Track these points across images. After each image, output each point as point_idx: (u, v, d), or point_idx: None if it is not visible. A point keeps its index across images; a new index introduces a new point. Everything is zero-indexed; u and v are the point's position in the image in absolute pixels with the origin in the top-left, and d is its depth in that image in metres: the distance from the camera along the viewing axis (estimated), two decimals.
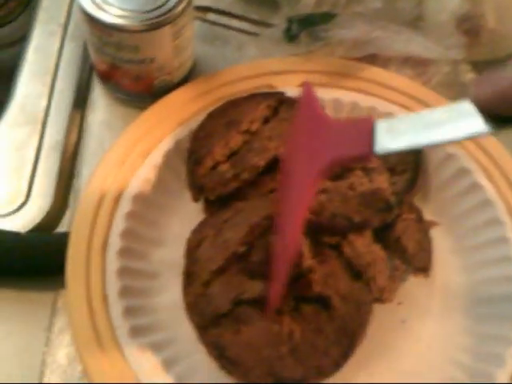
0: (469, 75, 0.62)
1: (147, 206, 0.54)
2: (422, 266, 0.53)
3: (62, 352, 0.50)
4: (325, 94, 0.58)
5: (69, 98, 0.61)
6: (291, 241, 0.44)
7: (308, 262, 0.49)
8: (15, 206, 0.55)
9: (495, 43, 0.62)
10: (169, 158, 0.55)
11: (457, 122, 0.38)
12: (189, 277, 0.50)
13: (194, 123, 0.56)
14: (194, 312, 0.49)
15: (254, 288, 0.48)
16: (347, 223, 0.50)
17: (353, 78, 0.60)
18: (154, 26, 0.52)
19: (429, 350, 0.50)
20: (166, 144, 0.55)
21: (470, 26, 0.60)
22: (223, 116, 0.56)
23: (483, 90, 0.40)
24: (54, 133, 0.59)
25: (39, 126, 0.59)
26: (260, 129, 0.55)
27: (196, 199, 0.55)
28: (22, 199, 0.55)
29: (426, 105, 0.58)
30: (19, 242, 0.53)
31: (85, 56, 0.63)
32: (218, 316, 0.48)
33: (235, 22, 0.67)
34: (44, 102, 0.61)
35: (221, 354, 0.47)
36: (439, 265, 0.54)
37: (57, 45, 0.64)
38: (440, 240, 0.55)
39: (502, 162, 0.56)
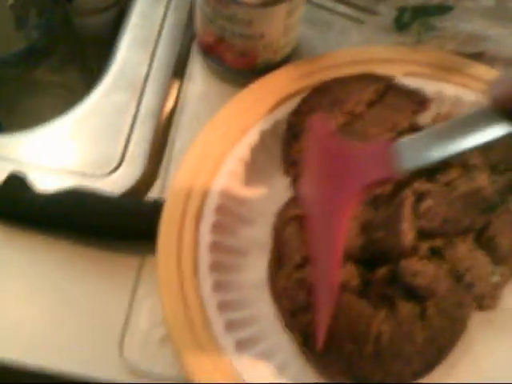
0: None
1: (240, 184, 0.54)
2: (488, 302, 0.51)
3: (143, 316, 0.50)
4: (429, 86, 0.56)
5: (168, 67, 0.61)
6: (332, 272, 0.43)
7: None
8: (109, 169, 0.55)
9: None
10: (265, 137, 0.55)
11: (478, 127, 0.38)
12: (279, 259, 0.50)
13: (294, 104, 0.55)
14: (284, 296, 0.48)
15: (349, 273, 0.48)
16: (457, 227, 0.50)
17: (458, 72, 0.58)
18: (271, 1, 0.51)
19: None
20: (264, 123, 0.55)
21: None
22: (328, 93, 0.55)
23: (500, 91, 0.38)
24: (152, 100, 0.59)
25: (138, 92, 0.59)
26: (363, 112, 0.54)
27: (287, 173, 0.54)
28: (115, 163, 0.56)
29: None
30: (110, 205, 0.53)
31: (188, 26, 0.63)
32: (309, 303, 0.47)
33: (340, 7, 0.66)
34: (144, 69, 0.61)
35: (305, 342, 0.47)
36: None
37: (161, 12, 0.64)
38: None
39: None
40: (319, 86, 0.56)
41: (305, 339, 0.47)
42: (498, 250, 0.51)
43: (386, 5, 0.62)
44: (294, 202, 0.52)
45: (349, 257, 0.48)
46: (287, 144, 0.54)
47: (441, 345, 0.46)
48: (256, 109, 0.55)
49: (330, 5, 0.66)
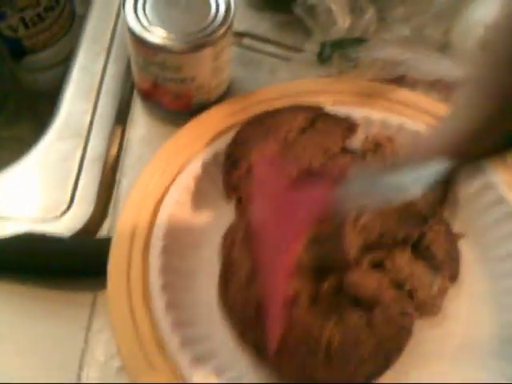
0: None
1: (186, 211, 0.56)
2: (450, 274, 0.54)
3: (100, 349, 0.52)
4: (355, 112, 0.60)
5: (111, 114, 0.64)
6: (280, 289, 0.47)
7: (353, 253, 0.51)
8: (59, 212, 0.57)
9: None
10: (207, 168, 0.57)
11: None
12: (226, 279, 0.52)
13: (231, 136, 0.58)
14: (233, 312, 0.50)
15: (299, 288, 0.50)
16: (393, 240, 0.52)
17: (382, 98, 0.61)
18: (197, 47, 0.54)
19: (458, 354, 0.52)
20: (204, 155, 0.57)
21: None
22: (261, 124, 0.58)
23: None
24: (97, 146, 0.61)
25: (83, 140, 0.62)
26: (296, 138, 0.57)
27: (229, 198, 0.57)
28: (65, 206, 0.57)
29: None
30: (62, 246, 0.55)
31: (127, 75, 0.66)
32: (259, 316, 0.48)
33: (269, 47, 0.69)
34: (88, 118, 0.63)
35: (259, 354, 0.49)
36: (466, 274, 0.55)
37: (101, 65, 0.67)
38: (467, 250, 0.56)
39: None
40: (251, 119, 0.59)
41: (258, 351, 0.49)
42: (434, 259, 0.54)
43: (310, 42, 0.65)
44: (238, 224, 0.55)
45: (298, 269, 0.50)
46: (227, 172, 0.57)
47: (388, 351, 0.49)
48: (195, 144, 0.58)
49: (259, 46, 0.69)
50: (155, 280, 0.52)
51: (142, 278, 0.52)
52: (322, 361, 0.48)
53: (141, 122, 0.65)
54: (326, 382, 0.48)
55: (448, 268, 0.54)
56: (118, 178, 0.61)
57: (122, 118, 0.65)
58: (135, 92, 0.66)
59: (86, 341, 0.52)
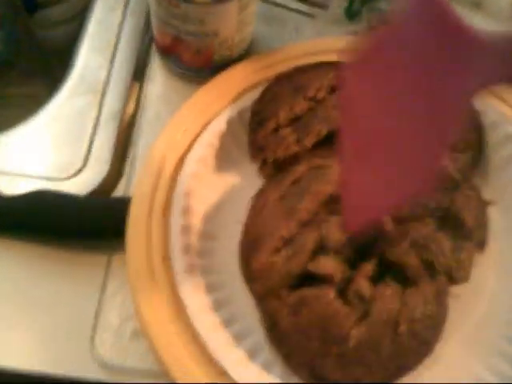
0: None
1: (209, 170, 0.54)
2: (478, 240, 0.52)
3: (113, 312, 0.50)
4: None
5: (128, 70, 0.62)
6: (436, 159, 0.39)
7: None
8: (73, 171, 0.56)
9: None
10: (232, 126, 0.55)
11: None
12: (254, 242, 0.49)
13: (256, 94, 0.56)
14: (257, 278, 0.48)
15: (325, 263, 0.47)
16: (424, 210, 0.50)
17: None
18: None
19: (482, 324, 0.50)
20: (229, 112, 0.55)
21: None
22: (290, 81, 0.56)
23: None
24: (113, 103, 0.60)
25: (99, 96, 0.60)
26: (326, 97, 0.55)
27: (254, 159, 0.55)
28: (80, 164, 0.56)
29: (504, 101, 0.57)
30: (76, 205, 0.53)
31: (145, 30, 0.64)
32: (281, 288, 0.47)
33: (294, 3, 0.67)
34: (104, 74, 0.61)
35: (272, 327, 0.47)
36: (494, 242, 0.53)
37: (118, 18, 0.65)
38: (496, 219, 0.54)
39: None
40: (281, 75, 0.57)
41: (271, 324, 0.47)
42: (463, 226, 0.51)
43: None
44: (270, 186, 0.53)
45: (334, 251, 0.47)
46: (253, 131, 0.55)
47: (404, 364, 0.46)
48: (219, 101, 0.56)
49: (283, 1, 0.67)
50: (175, 242, 0.50)
51: (162, 239, 0.50)
52: (335, 354, 0.45)
53: (159, 78, 0.63)
54: (331, 377, 0.45)
55: (476, 235, 0.52)
56: (134, 136, 0.59)
57: (139, 74, 0.63)
58: (153, 47, 0.64)
59: (99, 303, 0.51)
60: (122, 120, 0.59)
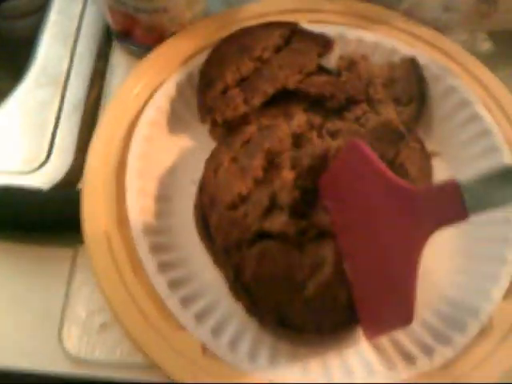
0: (486, 44, 0.62)
1: (161, 132, 0.55)
2: None
3: (81, 305, 0.50)
4: (331, 31, 0.59)
5: (89, 59, 0.61)
6: (409, 306, 0.43)
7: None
8: (37, 164, 0.55)
9: None
10: (181, 88, 0.56)
11: None
12: (212, 201, 0.50)
13: (204, 57, 0.56)
14: (217, 234, 0.49)
15: (277, 221, 0.48)
16: None
17: (358, 16, 0.61)
18: None
19: (425, 271, 0.48)
20: (178, 76, 0.56)
21: None
22: (236, 42, 0.56)
23: None
24: (75, 93, 0.59)
25: (61, 87, 0.59)
26: (271, 57, 0.56)
27: (204, 121, 0.55)
28: (43, 157, 0.55)
29: (448, 56, 0.59)
30: (40, 199, 0.53)
31: (105, 19, 0.63)
32: (242, 241, 0.48)
33: None
34: (65, 64, 0.61)
35: (235, 279, 0.47)
36: None
37: (79, 8, 0.64)
38: (440, 169, 0.55)
39: (497, 95, 0.57)
40: (227, 37, 0.57)
41: (236, 275, 0.47)
42: (407, 176, 0.52)
43: None
44: (222, 147, 0.53)
45: (286, 206, 0.48)
46: (202, 93, 0.55)
47: None
48: (169, 64, 0.56)
49: None
50: (132, 203, 0.50)
51: (117, 203, 0.50)
52: (299, 300, 0.46)
53: (121, 67, 0.62)
54: (295, 320, 0.46)
55: (420, 185, 0.52)
56: (98, 126, 0.58)
57: (101, 62, 0.62)
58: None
59: (66, 296, 0.51)
60: (85, 110, 0.59)
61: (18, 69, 0.71)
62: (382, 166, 0.44)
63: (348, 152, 0.47)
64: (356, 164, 0.46)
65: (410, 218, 0.42)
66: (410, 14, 0.61)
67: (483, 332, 0.47)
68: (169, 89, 0.55)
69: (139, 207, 0.50)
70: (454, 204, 0.40)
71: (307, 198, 0.49)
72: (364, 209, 0.46)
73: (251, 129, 0.53)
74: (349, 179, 0.47)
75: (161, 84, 0.55)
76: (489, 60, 0.59)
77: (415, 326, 0.48)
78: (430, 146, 0.56)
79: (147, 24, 0.58)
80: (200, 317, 0.47)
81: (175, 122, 0.56)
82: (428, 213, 0.41)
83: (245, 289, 0.47)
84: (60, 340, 0.49)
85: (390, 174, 0.43)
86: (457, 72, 0.58)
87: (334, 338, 0.47)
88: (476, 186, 0.39)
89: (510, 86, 0.57)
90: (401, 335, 0.47)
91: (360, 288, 0.46)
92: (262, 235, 0.48)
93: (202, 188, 0.52)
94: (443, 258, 0.52)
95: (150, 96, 0.55)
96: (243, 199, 0.49)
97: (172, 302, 0.46)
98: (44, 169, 0.55)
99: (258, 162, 0.50)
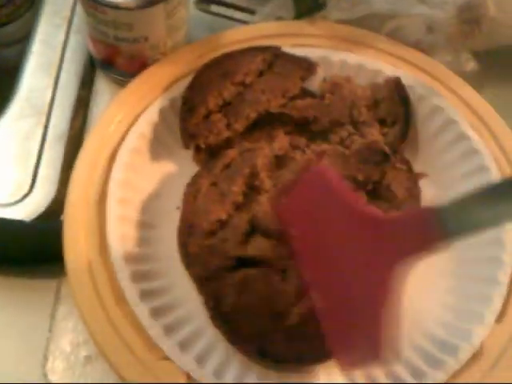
0: (470, 64, 0.61)
1: (144, 159, 0.54)
2: None
3: (65, 338, 0.49)
4: (314, 54, 0.58)
5: (73, 89, 0.61)
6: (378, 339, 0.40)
7: None
8: (20, 196, 0.54)
9: (496, 32, 0.61)
10: (164, 114, 0.55)
11: None
12: (190, 228, 0.49)
13: (187, 83, 0.56)
14: (196, 262, 0.48)
15: (258, 246, 0.48)
16: (353, 184, 0.50)
17: (341, 39, 0.60)
18: (147, 3, 0.52)
19: (416, 294, 0.49)
20: (161, 102, 0.55)
21: (471, 15, 0.60)
22: (218, 67, 0.56)
23: None
24: (59, 124, 0.58)
25: (44, 118, 0.58)
26: (254, 81, 0.55)
27: (187, 146, 0.54)
28: (26, 189, 0.54)
29: (432, 76, 0.59)
30: (23, 231, 0.52)
31: (88, 48, 0.62)
32: (221, 269, 0.47)
33: (238, 14, 0.67)
34: (49, 94, 0.60)
35: (215, 308, 0.46)
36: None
37: (62, 37, 0.64)
38: (428, 189, 0.55)
39: (483, 114, 0.57)
40: (209, 62, 0.56)
41: (215, 303, 0.46)
42: (394, 198, 0.52)
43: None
44: (202, 173, 0.52)
45: (266, 231, 0.48)
46: (184, 119, 0.54)
47: None
48: (152, 90, 0.56)
49: (228, 12, 0.68)
50: (112, 231, 0.49)
51: (99, 231, 0.49)
52: (279, 329, 0.45)
53: (105, 95, 0.62)
54: (276, 351, 0.45)
55: (407, 206, 0.52)
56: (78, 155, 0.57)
57: (84, 91, 0.62)
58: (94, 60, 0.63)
59: (50, 329, 0.50)
60: (68, 140, 0.58)
61: (2, 98, 0.71)
62: (348, 192, 0.42)
63: (311, 177, 0.46)
64: (319, 190, 0.45)
65: (374, 248, 0.40)
66: (393, 37, 0.60)
67: (475, 355, 0.46)
68: (151, 115, 0.54)
69: (120, 235, 0.49)
70: (424, 231, 0.37)
71: None
72: (327, 237, 0.44)
73: (232, 153, 0.52)
74: (311, 205, 0.46)
75: (143, 110, 0.55)
76: (473, 80, 0.59)
77: (406, 349, 0.47)
78: (417, 167, 0.55)
79: (129, 53, 0.57)
80: (184, 345, 0.46)
81: (158, 148, 0.55)
82: (394, 241, 0.38)
83: (224, 318, 0.46)
84: (44, 373, 0.48)
85: (354, 200, 0.41)
86: (442, 92, 0.57)
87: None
88: (459, 206, 0.36)
89: (495, 105, 0.57)
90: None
91: (328, 319, 0.44)
92: (243, 262, 0.47)
93: (182, 214, 0.51)
94: (434, 280, 0.51)
95: (133, 123, 0.54)
96: (222, 225, 0.49)
97: (155, 331, 0.45)
98: (27, 200, 0.54)
99: (237, 187, 0.49)
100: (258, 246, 0.47)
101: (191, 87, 0.55)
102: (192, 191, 0.51)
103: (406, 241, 0.38)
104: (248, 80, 0.55)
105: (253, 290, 0.46)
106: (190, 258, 0.49)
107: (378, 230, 0.40)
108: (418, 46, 0.60)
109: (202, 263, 0.48)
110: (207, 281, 0.47)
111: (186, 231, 0.49)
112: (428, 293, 0.51)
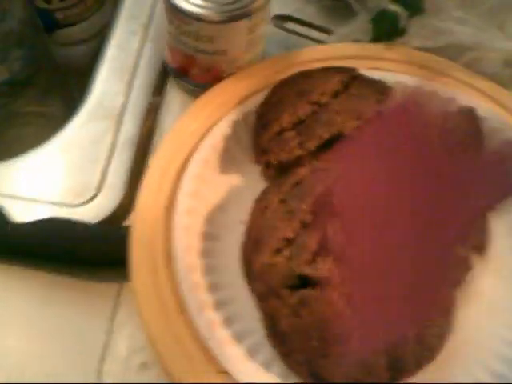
0: None
1: (213, 171, 0.54)
2: (477, 244, 0.52)
3: (122, 343, 0.49)
4: (391, 78, 0.58)
5: (145, 96, 0.61)
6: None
7: None
8: (86, 198, 0.55)
9: None
10: (236, 128, 0.55)
11: None
12: (256, 244, 0.49)
13: (261, 98, 0.56)
14: (258, 278, 0.48)
15: (321, 267, 0.46)
16: None
17: (418, 65, 0.60)
18: (232, 18, 0.53)
19: (481, 328, 0.49)
20: (233, 115, 0.55)
21: None
22: (294, 85, 0.56)
23: None
24: (129, 129, 0.59)
25: (115, 122, 0.59)
26: (329, 102, 0.55)
27: (258, 161, 0.55)
28: (93, 191, 0.55)
29: (507, 109, 0.58)
30: (88, 233, 0.53)
31: (163, 57, 0.63)
32: (282, 288, 0.46)
33: (314, 33, 0.67)
34: (121, 99, 0.61)
35: (272, 326, 0.46)
36: (494, 247, 0.52)
37: (137, 43, 0.64)
38: (496, 224, 0.53)
39: None
40: (285, 79, 0.56)
41: (272, 323, 0.46)
42: None
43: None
44: (272, 188, 0.52)
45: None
46: (257, 133, 0.55)
47: (404, 367, 0.45)
48: (226, 103, 0.56)
49: (303, 30, 0.68)
50: (179, 241, 0.49)
51: (165, 239, 0.50)
52: (334, 354, 0.44)
53: (176, 104, 0.62)
54: (331, 378, 0.45)
55: (475, 239, 0.52)
56: (149, 163, 0.58)
57: (156, 100, 0.62)
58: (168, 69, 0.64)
59: (108, 333, 0.50)
60: (137, 147, 0.58)
61: (71, 96, 0.73)
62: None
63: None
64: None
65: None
66: (470, 68, 0.60)
67: None
68: (224, 128, 0.54)
69: (185, 245, 0.49)
70: None
71: None
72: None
73: (303, 171, 0.51)
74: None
75: (216, 122, 0.55)
76: None
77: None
78: None
79: (205, 64, 0.58)
80: (241, 360, 0.45)
81: (228, 160, 0.55)
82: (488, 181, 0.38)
83: (279, 339, 0.46)
84: (99, 376, 0.48)
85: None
86: None
87: None
88: None
89: None
90: None
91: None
92: (307, 282, 0.46)
93: (248, 229, 0.51)
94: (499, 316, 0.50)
95: (205, 134, 0.54)
96: (289, 243, 0.48)
97: (214, 343, 0.45)
98: (93, 203, 0.55)
99: (307, 206, 0.49)
100: (320, 268, 0.46)
101: (266, 103, 0.55)
102: (260, 207, 0.51)
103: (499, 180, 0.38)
104: (323, 100, 0.55)
105: (310, 312, 0.45)
106: (253, 274, 0.48)
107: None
108: (494, 78, 0.59)
109: (264, 280, 0.47)
110: (266, 299, 0.47)
111: (252, 247, 0.49)
112: (492, 329, 0.50)
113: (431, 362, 0.46)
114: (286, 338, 0.45)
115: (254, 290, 0.49)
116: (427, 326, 0.45)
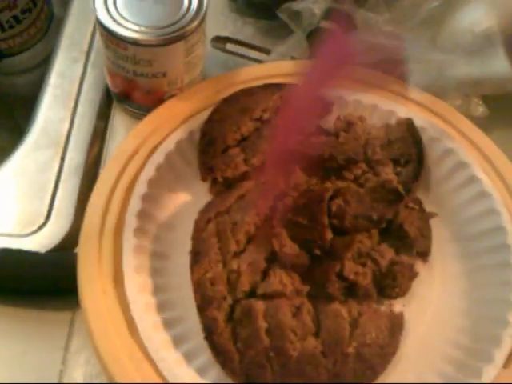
0: (479, 109, 0.61)
1: (160, 190, 0.53)
2: (422, 250, 0.53)
3: (78, 371, 0.48)
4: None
5: (90, 122, 0.60)
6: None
7: None
8: (35, 227, 0.53)
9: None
10: (180, 146, 0.54)
11: None
12: (195, 256, 0.49)
13: (205, 117, 0.56)
14: (196, 290, 0.47)
15: (273, 282, 0.47)
16: (368, 222, 0.50)
17: (357, 80, 0.60)
18: (168, 41, 0.52)
19: (428, 332, 0.50)
20: (179, 134, 0.55)
21: None
22: (237, 103, 0.55)
23: None
24: (75, 156, 0.57)
25: (61, 149, 0.58)
26: (271, 118, 0.55)
27: (204, 179, 0.54)
28: (42, 220, 0.53)
29: (443, 119, 0.59)
30: (38, 262, 0.51)
31: (106, 82, 0.62)
32: (218, 299, 0.46)
33: (253, 53, 0.67)
34: (66, 126, 0.59)
35: (207, 337, 0.46)
36: (438, 253, 0.54)
37: (79, 70, 0.63)
38: (439, 230, 0.54)
39: (492, 157, 0.57)
40: (228, 97, 0.56)
41: (207, 334, 0.46)
42: (406, 237, 0.52)
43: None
44: (212, 205, 0.52)
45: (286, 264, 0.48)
46: (203, 151, 0.54)
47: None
48: (169, 123, 0.56)
49: (243, 51, 0.68)
50: (128, 262, 0.48)
51: (114, 262, 0.48)
52: (275, 365, 0.45)
53: (121, 128, 0.61)
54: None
55: (419, 246, 0.53)
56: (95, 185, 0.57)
57: (101, 125, 0.61)
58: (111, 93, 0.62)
59: (63, 362, 0.48)
60: (84, 173, 0.57)
61: (17, 124, 0.71)
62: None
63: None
64: None
65: None
66: (404, 80, 0.60)
67: None
68: (169, 146, 0.54)
69: (135, 265, 0.48)
70: None
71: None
72: None
73: (248, 184, 0.52)
74: None
75: (161, 142, 0.54)
76: (483, 123, 0.59)
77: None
78: (428, 207, 0.55)
79: (146, 87, 0.57)
80: (194, 378, 0.45)
81: (175, 179, 0.54)
82: None
83: (216, 347, 0.46)
84: None
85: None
86: (453, 135, 0.57)
87: None
88: None
89: (504, 148, 0.57)
90: None
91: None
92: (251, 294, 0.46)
93: (192, 243, 0.50)
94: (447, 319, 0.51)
95: (150, 154, 0.53)
96: (234, 256, 0.48)
97: (164, 364, 0.45)
98: (42, 232, 0.53)
99: (250, 218, 0.49)
100: (272, 283, 0.47)
101: (210, 121, 0.55)
102: (203, 219, 0.51)
103: None
104: (265, 116, 0.55)
105: (253, 323, 0.45)
106: (193, 285, 0.48)
107: None
108: (429, 89, 0.60)
109: (200, 292, 0.47)
110: (204, 309, 0.47)
111: (192, 259, 0.49)
112: (440, 330, 0.51)
113: (373, 380, 0.46)
114: (223, 348, 0.45)
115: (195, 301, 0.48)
116: (369, 345, 0.46)
